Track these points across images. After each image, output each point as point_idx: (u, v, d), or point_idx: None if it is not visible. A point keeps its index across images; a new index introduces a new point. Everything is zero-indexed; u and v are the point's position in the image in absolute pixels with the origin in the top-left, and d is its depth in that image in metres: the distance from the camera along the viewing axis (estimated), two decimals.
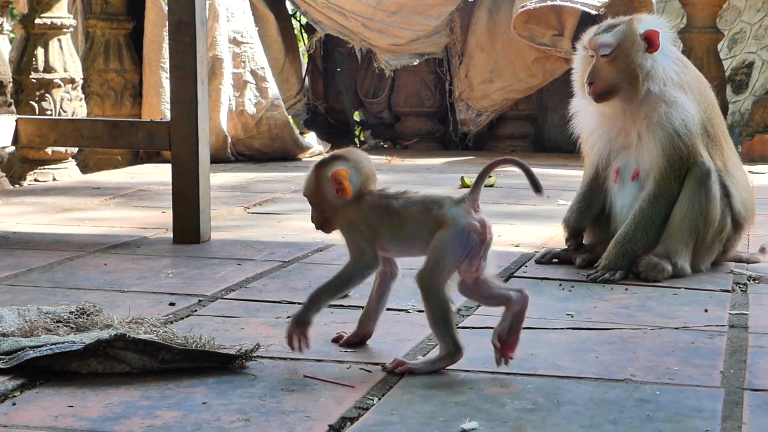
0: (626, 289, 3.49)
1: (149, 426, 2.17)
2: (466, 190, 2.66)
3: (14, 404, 2.29)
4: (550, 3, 7.37)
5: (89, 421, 2.19)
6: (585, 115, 3.87)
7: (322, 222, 2.67)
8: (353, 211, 2.62)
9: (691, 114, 3.66)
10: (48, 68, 6.65)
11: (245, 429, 2.16)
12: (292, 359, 2.63)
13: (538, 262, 3.88)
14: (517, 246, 4.21)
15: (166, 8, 4.77)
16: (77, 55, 6.97)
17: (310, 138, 7.65)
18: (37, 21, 6.64)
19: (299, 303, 3.18)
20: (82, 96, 6.88)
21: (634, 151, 3.73)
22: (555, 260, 3.88)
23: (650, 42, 3.64)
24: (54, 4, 6.68)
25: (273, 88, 7.30)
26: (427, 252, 2.55)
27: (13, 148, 6.48)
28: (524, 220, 4.88)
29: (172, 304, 3.17)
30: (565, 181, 6.25)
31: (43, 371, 2.47)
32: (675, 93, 3.66)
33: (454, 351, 2.53)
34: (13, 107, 6.41)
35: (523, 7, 7.40)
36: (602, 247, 3.74)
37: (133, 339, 2.49)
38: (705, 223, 3.66)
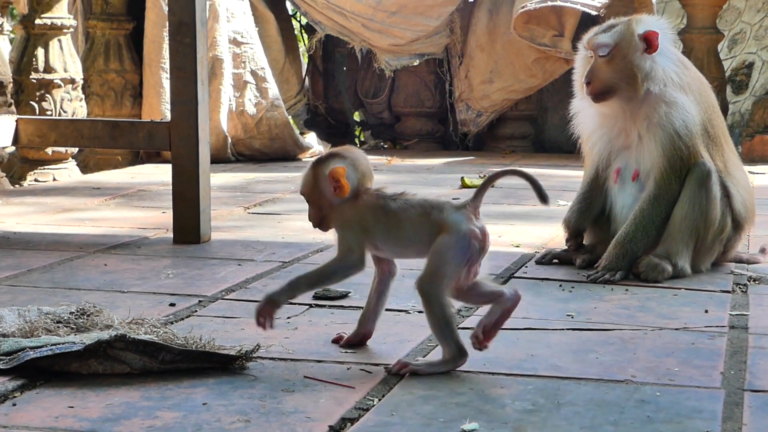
0: (626, 290, 3.49)
1: (149, 427, 2.17)
2: (466, 196, 2.65)
3: (14, 405, 2.29)
4: (550, 3, 7.38)
5: (89, 421, 2.19)
6: (585, 115, 3.87)
7: (320, 220, 2.67)
8: (350, 209, 2.62)
9: (691, 114, 3.66)
10: (48, 68, 6.65)
11: (245, 430, 2.16)
12: (292, 360, 2.63)
13: (539, 262, 3.88)
14: (517, 246, 4.21)
15: (167, 9, 4.78)
16: (77, 56, 6.97)
17: (310, 138, 7.65)
18: (38, 21, 6.64)
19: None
20: (83, 96, 6.88)
21: (634, 152, 3.73)
22: (555, 261, 3.88)
23: (649, 43, 3.64)
24: (54, 5, 6.68)
25: (273, 89, 7.31)
26: (427, 256, 2.55)
27: (13, 148, 6.48)
28: (524, 220, 4.88)
29: (172, 304, 3.17)
30: (566, 181, 6.25)
31: (44, 372, 2.47)
32: (675, 93, 3.66)
33: (457, 355, 2.53)
34: (13, 107, 6.41)
35: (523, 7, 7.40)
36: (602, 248, 3.74)
37: (133, 340, 2.49)
38: (705, 224, 3.66)
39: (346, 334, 2.78)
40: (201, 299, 3.25)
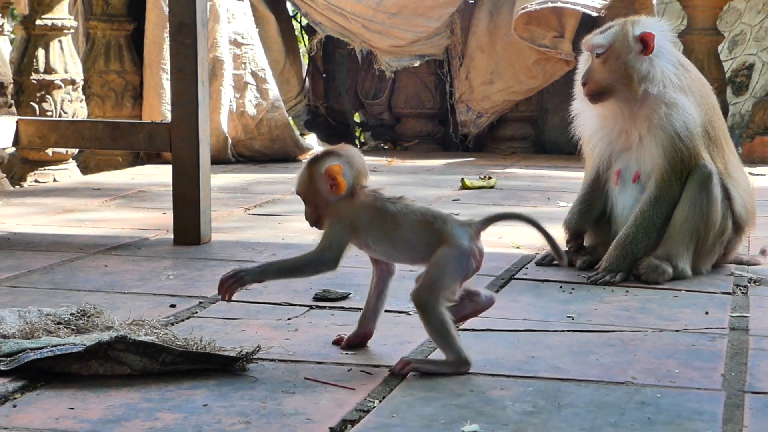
0: (627, 292, 3.49)
1: (150, 428, 2.17)
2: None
3: (15, 406, 2.29)
4: (550, 5, 7.38)
5: (90, 423, 2.19)
6: (586, 117, 3.87)
7: (316, 219, 2.67)
8: (345, 207, 2.62)
9: (692, 116, 3.66)
10: (49, 69, 6.65)
11: (246, 431, 2.16)
12: (292, 361, 2.63)
13: (539, 264, 3.88)
14: (517, 248, 4.20)
15: (167, 10, 4.78)
16: (78, 57, 6.97)
17: (311, 139, 7.65)
18: (38, 22, 6.64)
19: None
20: (83, 97, 6.88)
21: (635, 153, 3.73)
22: (556, 262, 3.88)
23: (645, 44, 3.64)
24: (55, 6, 6.68)
25: (273, 90, 7.31)
26: (426, 267, 2.55)
27: (13, 149, 6.47)
28: (525, 221, 4.87)
29: (172, 305, 3.17)
30: (566, 182, 6.26)
31: (44, 373, 2.47)
32: (675, 95, 3.66)
33: (460, 361, 2.53)
34: (13, 108, 6.40)
35: (523, 8, 7.40)
36: (603, 249, 3.74)
37: (133, 341, 2.49)
38: (706, 226, 3.66)
39: (347, 335, 2.78)
40: (201, 300, 3.25)
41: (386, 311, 2.80)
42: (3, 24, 8.31)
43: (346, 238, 2.61)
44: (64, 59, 6.71)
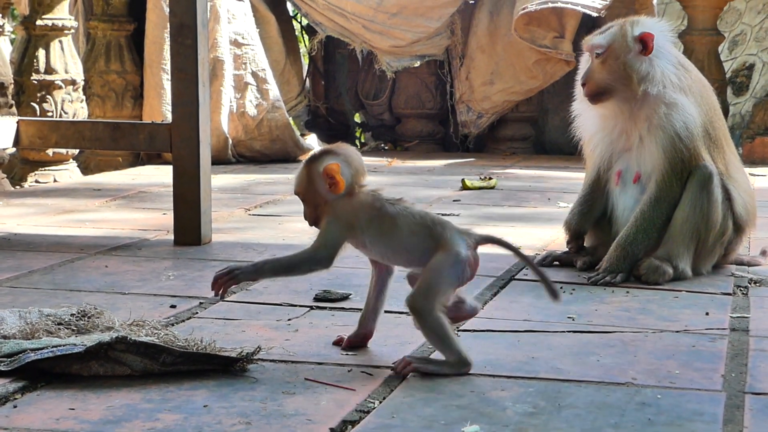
0: (627, 292, 3.49)
1: (150, 429, 2.17)
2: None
3: (15, 407, 2.29)
4: (551, 5, 7.38)
5: (90, 423, 2.19)
6: (586, 117, 3.87)
7: (315, 218, 2.67)
8: (344, 205, 2.62)
9: (692, 116, 3.66)
10: (49, 70, 6.65)
11: None
12: (293, 362, 2.63)
13: (539, 264, 3.87)
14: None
15: (168, 10, 4.77)
16: (78, 57, 6.97)
17: (311, 140, 7.66)
18: (39, 22, 6.64)
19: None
20: (83, 97, 6.88)
21: (635, 154, 3.73)
22: (556, 263, 3.88)
23: (644, 44, 3.64)
24: (55, 6, 6.68)
25: (274, 90, 7.31)
26: (422, 272, 2.55)
27: (14, 149, 6.47)
28: (525, 222, 4.88)
29: (173, 306, 3.17)
30: (566, 183, 6.26)
31: (45, 374, 2.47)
32: (675, 95, 3.66)
33: (461, 361, 2.53)
34: (14, 109, 6.40)
35: (524, 9, 7.40)
36: (603, 250, 3.74)
37: (134, 341, 2.49)
38: (706, 227, 3.66)
39: (347, 336, 2.77)
40: (202, 301, 3.25)
41: (386, 312, 2.80)
42: (3, 24, 8.31)
43: (342, 237, 2.61)
44: (65, 59, 6.71)
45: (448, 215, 4.98)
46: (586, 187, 3.88)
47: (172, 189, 4.30)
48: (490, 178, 6.24)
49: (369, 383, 2.47)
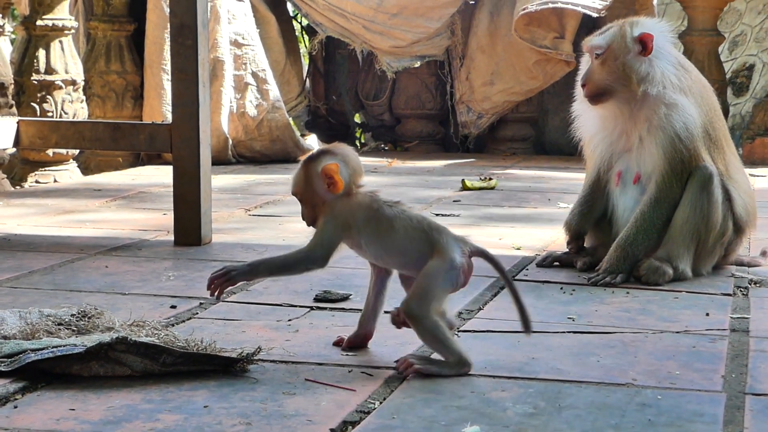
0: (627, 293, 3.49)
1: (150, 429, 2.17)
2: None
3: (16, 407, 2.29)
4: (551, 5, 7.38)
5: (90, 424, 2.19)
6: (586, 118, 3.87)
7: (313, 218, 2.67)
8: (342, 205, 2.62)
9: (692, 117, 3.66)
10: (49, 70, 6.65)
11: None
12: (293, 363, 2.63)
13: (540, 265, 3.88)
14: (518, 249, 4.20)
15: (168, 10, 4.78)
16: (78, 57, 6.97)
17: (311, 140, 7.66)
18: (39, 23, 6.64)
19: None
20: (84, 98, 6.88)
21: (635, 155, 3.73)
22: (556, 263, 3.88)
23: (644, 45, 3.64)
24: (55, 6, 6.68)
25: (274, 90, 7.31)
26: (417, 278, 2.55)
27: (14, 149, 6.47)
28: (525, 222, 4.88)
29: (173, 306, 3.17)
30: (566, 183, 6.26)
31: (45, 374, 2.47)
32: (675, 96, 3.66)
33: (461, 361, 2.53)
34: (14, 109, 6.40)
35: (524, 9, 7.40)
36: (604, 251, 3.74)
37: (134, 342, 2.49)
38: (707, 227, 3.66)
39: (347, 336, 2.77)
40: (202, 301, 3.25)
41: (386, 312, 2.80)
42: (4, 24, 8.31)
43: (338, 237, 2.62)
44: (65, 60, 6.71)
45: (449, 216, 4.98)
46: (587, 187, 3.88)
47: (172, 189, 4.30)
48: (491, 179, 6.24)
49: (369, 384, 2.47)
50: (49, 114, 6.58)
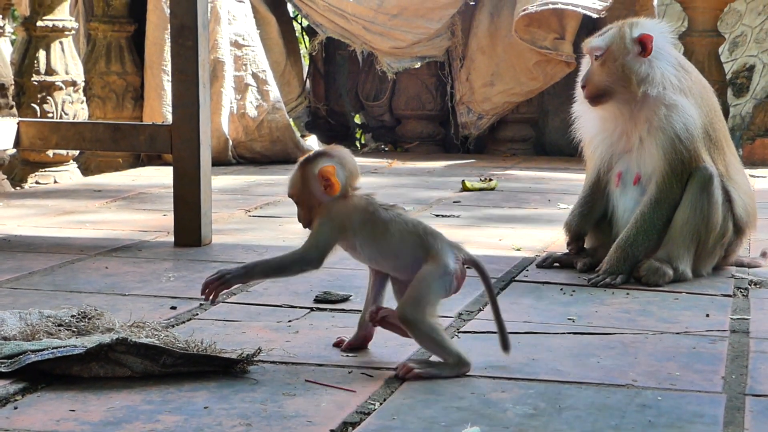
0: (627, 294, 3.49)
1: (151, 430, 2.17)
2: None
3: (16, 408, 2.29)
4: (551, 6, 7.38)
5: (91, 425, 2.19)
6: (587, 119, 3.87)
7: (310, 220, 2.68)
8: (338, 207, 2.63)
9: (692, 118, 3.66)
10: (49, 71, 6.65)
11: None
12: (293, 364, 2.63)
13: (540, 266, 3.88)
14: (518, 250, 4.20)
15: (168, 11, 4.78)
16: (79, 58, 6.97)
17: (311, 141, 7.66)
18: (39, 23, 6.64)
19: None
20: (84, 98, 6.88)
21: (635, 155, 3.73)
22: (556, 264, 3.88)
23: (643, 46, 3.64)
24: (56, 7, 6.68)
25: (274, 91, 7.31)
26: (411, 283, 2.56)
27: (14, 150, 6.48)
28: (525, 223, 4.88)
29: (173, 307, 3.17)
30: (566, 184, 6.26)
31: (45, 375, 2.47)
32: (675, 96, 3.66)
33: (460, 362, 2.54)
34: (14, 110, 6.41)
35: (524, 10, 7.40)
36: (604, 252, 3.74)
37: (134, 343, 2.49)
38: (707, 228, 3.66)
39: (347, 337, 2.78)
40: (202, 302, 3.24)
41: None
42: (4, 25, 8.31)
43: (333, 239, 2.62)
44: (65, 60, 6.71)
45: (449, 216, 4.98)
46: (587, 188, 3.89)
47: (172, 190, 4.30)
48: (491, 180, 6.24)
49: (369, 385, 2.47)
50: (50, 115, 6.58)
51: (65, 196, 5.67)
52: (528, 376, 2.56)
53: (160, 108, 7.08)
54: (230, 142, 7.18)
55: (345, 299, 3.30)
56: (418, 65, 8.14)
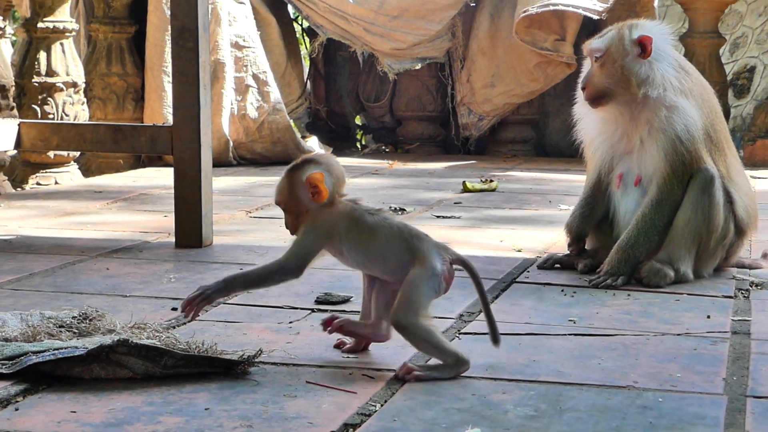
0: (628, 295, 3.49)
1: (152, 431, 2.17)
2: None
3: (17, 409, 2.29)
4: (552, 8, 7.38)
5: (92, 426, 2.19)
6: (587, 120, 3.87)
7: (297, 227, 2.68)
8: (325, 214, 2.63)
9: (693, 119, 3.66)
10: (50, 72, 6.65)
11: None
12: (294, 365, 2.63)
13: (541, 267, 3.88)
14: (519, 251, 4.20)
15: (169, 13, 4.78)
16: (79, 59, 6.97)
17: (312, 142, 7.66)
18: (40, 25, 6.64)
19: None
20: (85, 100, 6.88)
21: (636, 157, 3.73)
22: (557, 265, 3.88)
23: (643, 47, 3.64)
24: (56, 8, 6.68)
25: (275, 92, 7.31)
26: (401, 287, 2.56)
27: (15, 151, 6.48)
28: (526, 224, 4.88)
29: (174, 309, 3.17)
30: (567, 186, 6.26)
31: (46, 376, 2.47)
32: (676, 98, 3.66)
33: (458, 361, 2.54)
34: (15, 111, 6.40)
35: (525, 11, 7.41)
36: (605, 253, 3.74)
37: (135, 344, 2.49)
38: (708, 230, 3.66)
39: (347, 339, 2.78)
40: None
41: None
42: (4, 26, 8.31)
43: (317, 247, 2.63)
44: (66, 62, 6.72)
45: (449, 217, 4.98)
46: (588, 189, 3.89)
47: (173, 191, 4.30)
48: (491, 181, 6.24)
49: (370, 386, 2.47)
50: (50, 116, 6.58)
51: (66, 197, 5.67)
52: (529, 377, 2.56)
53: (161, 109, 7.08)
54: (231, 143, 7.18)
55: (346, 300, 3.30)
56: (418, 66, 8.14)
